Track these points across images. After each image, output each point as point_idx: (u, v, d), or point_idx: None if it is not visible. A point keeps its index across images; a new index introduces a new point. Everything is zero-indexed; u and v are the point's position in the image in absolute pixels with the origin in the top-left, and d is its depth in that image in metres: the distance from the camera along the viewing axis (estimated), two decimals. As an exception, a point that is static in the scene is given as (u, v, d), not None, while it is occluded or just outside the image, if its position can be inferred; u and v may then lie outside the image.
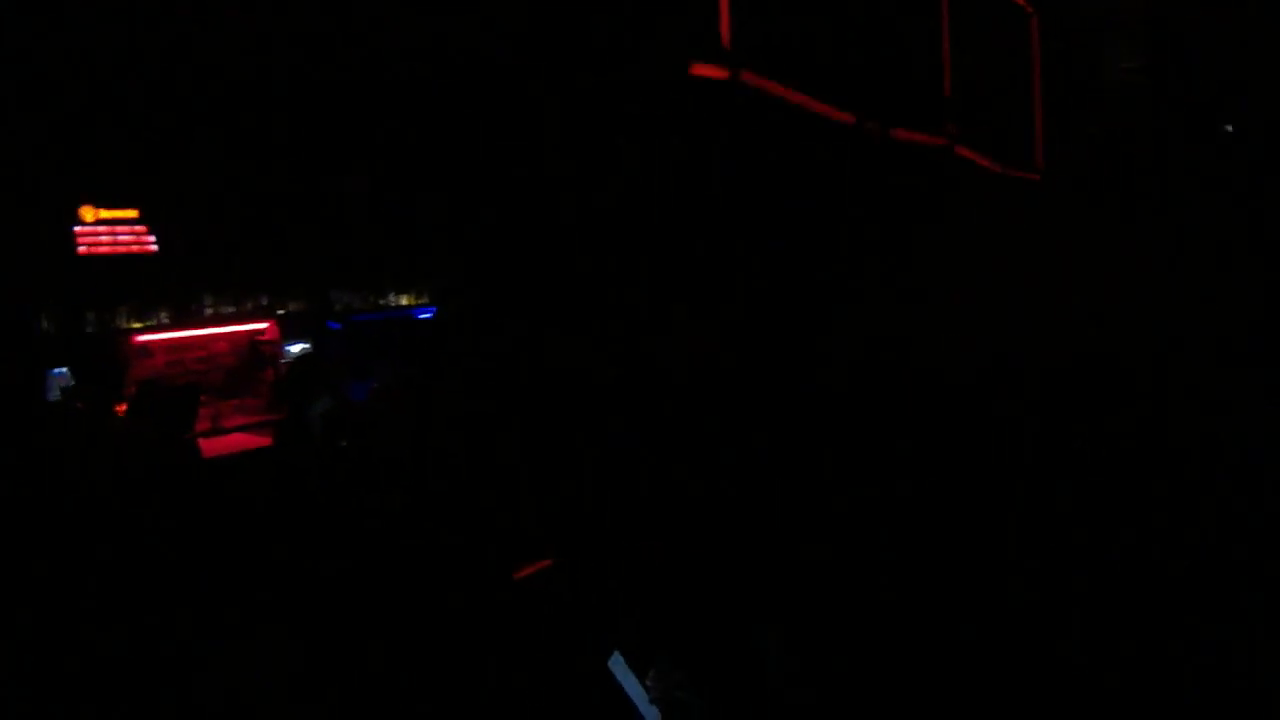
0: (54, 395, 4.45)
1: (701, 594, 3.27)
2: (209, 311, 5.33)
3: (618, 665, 2.10)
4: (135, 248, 5.10)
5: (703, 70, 5.37)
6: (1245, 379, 4.98)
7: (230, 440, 4.75)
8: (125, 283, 5.06)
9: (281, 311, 5.59)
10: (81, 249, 4.89)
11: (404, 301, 6.30)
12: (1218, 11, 8.56)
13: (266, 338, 5.43)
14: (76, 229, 4.89)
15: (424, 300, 6.37)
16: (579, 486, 4.26)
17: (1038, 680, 2.94)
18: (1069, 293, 6.22)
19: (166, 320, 5.14)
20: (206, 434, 4.74)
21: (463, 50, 5.47)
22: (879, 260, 5.96)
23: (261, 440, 4.67)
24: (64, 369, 4.51)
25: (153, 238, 5.18)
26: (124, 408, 4.15)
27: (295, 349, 5.41)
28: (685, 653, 2.31)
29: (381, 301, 6.17)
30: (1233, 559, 3.44)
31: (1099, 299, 6.14)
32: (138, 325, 5.02)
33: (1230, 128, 8.68)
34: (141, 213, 5.16)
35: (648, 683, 2.09)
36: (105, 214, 4.98)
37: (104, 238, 4.97)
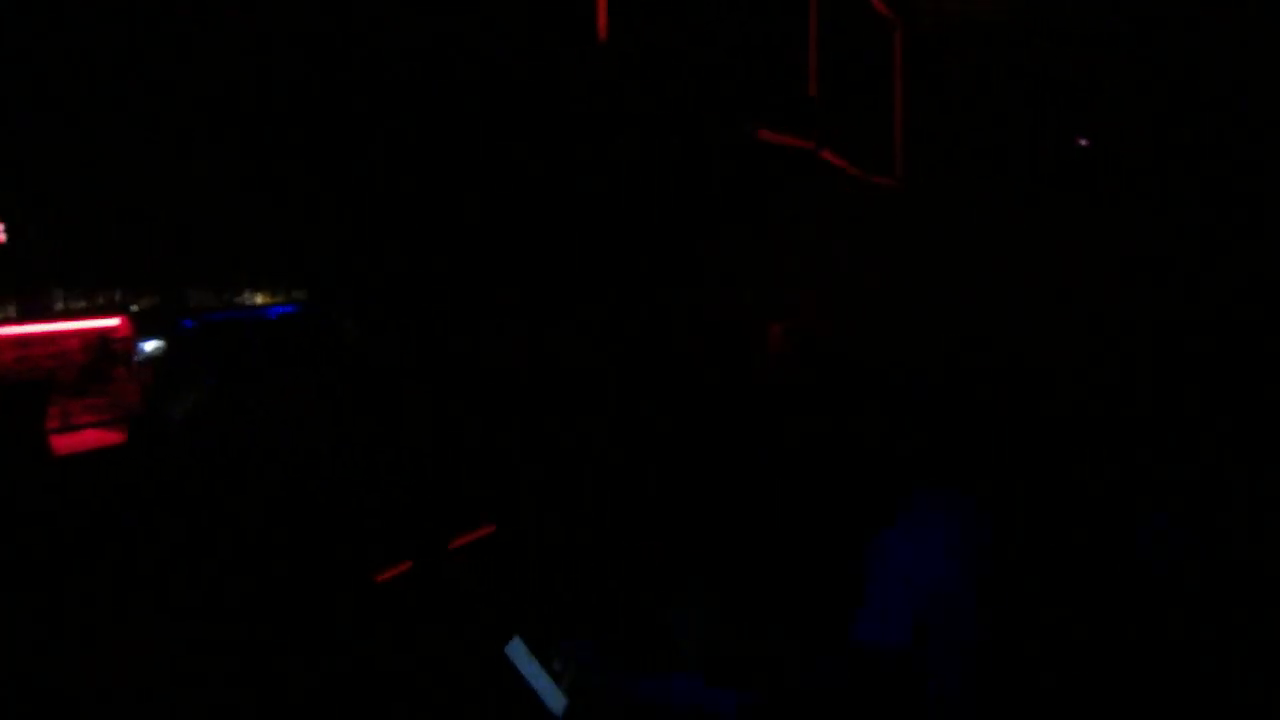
0: (-105, 389, 4.36)
1: (609, 571, 3.44)
2: (59, 306, 5.25)
3: (518, 651, 2.12)
4: (-17, 237, 5.01)
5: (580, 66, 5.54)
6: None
7: (82, 437, 4.72)
8: (-30, 274, 4.96)
9: (135, 308, 5.54)
10: (-75, 238, 4.78)
11: (259, 300, 6.29)
12: (1075, 28, 9.05)
13: (119, 335, 5.38)
14: (-80, 218, 4.77)
15: (280, 299, 6.37)
16: (477, 473, 4.39)
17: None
18: (932, 295, 6.62)
19: (14, 314, 5.05)
20: (57, 431, 4.69)
21: (330, 37, 5.49)
22: (741, 258, 6.24)
23: (115, 437, 4.65)
24: (-93, 363, 4.42)
25: (1, 226, 5.08)
26: (-30, 403, 4.11)
27: (149, 346, 5.37)
28: (593, 633, 2.45)
29: (237, 300, 6.15)
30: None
31: (958, 301, 6.56)
32: (-16, 318, 4.93)
33: (1084, 141, 9.20)
34: (-11, 201, 5.06)
35: (555, 667, 2.13)
36: (-49, 201, 4.88)
37: (-51, 227, 4.87)
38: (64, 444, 4.52)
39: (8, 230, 5.08)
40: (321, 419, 4.48)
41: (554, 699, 2.08)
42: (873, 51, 9.06)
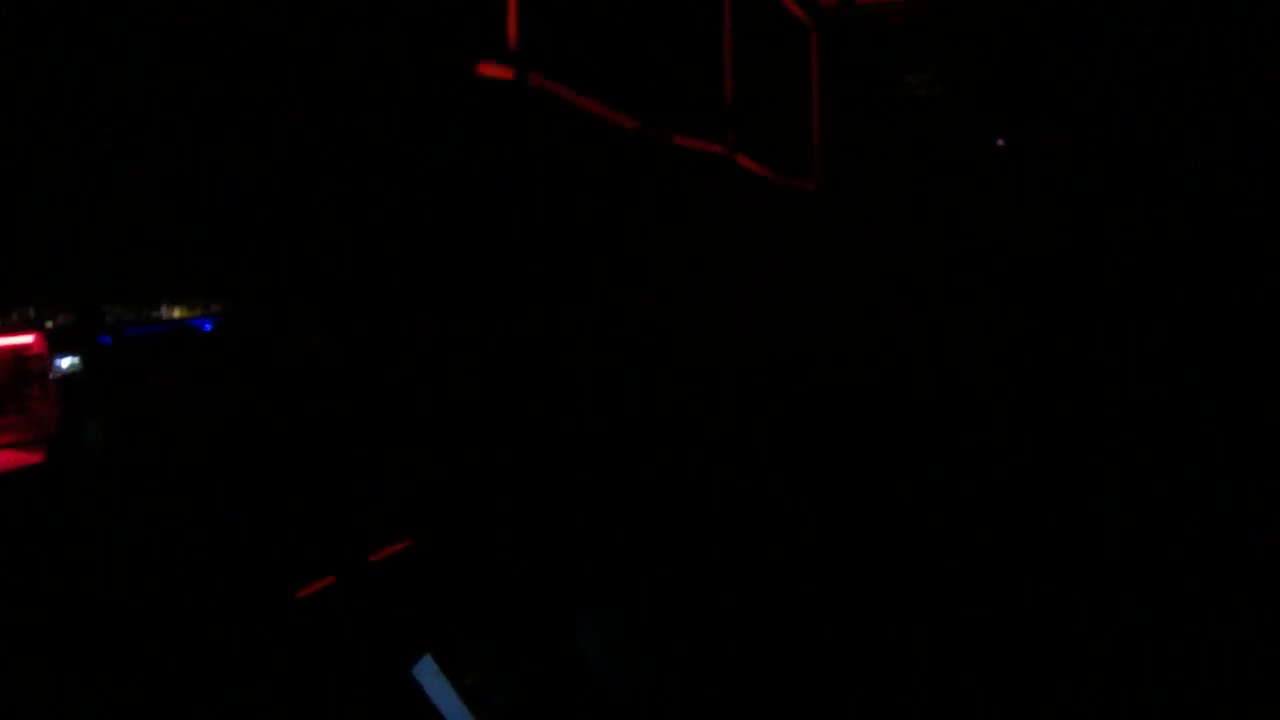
0: None
1: (519, 588, 3.48)
2: (-30, 324, 5.16)
3: (427, 671, 2.11)
4: (-111, 256, 4.91)
5: (489, 70, 5.55)
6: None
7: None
8: (-124, 293, 4.86)
9: (50, 324, 5.46)
10: None
11: (177, 314, 6.22)
12: (1003, 30, 9.22)
13: (33, 352, 5.30)
14: None
15: (198, 312, 6.31)
16: (392, 486, 4.40)
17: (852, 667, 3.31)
18: (841, 298, 6.74)
19: (-78, 334, 4.97)
20: (-30, 453, 4.62)
21: (242, 38, 5.44)
22: (655, 265, 6.31)
23: (31, 458, 4.59)
24: None
25: (-91, 246, 4.99)
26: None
27: (65, 363, 5.31)
28: (501, 655, 2.48)
29: (154, 314, 6.08)
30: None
31: (870, 305, 6.68)
32: (-109, 339, 4.84)
33: (1001, 142, 9.40)
34: (-106, 219, 4.96)
35: (464, 684, 2.12)
36: None
37: None
38: (-23, 467, 4.47)
39: (-86, 248, 4.98)
40: (242, 431, 4.48)
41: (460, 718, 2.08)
42: (788, 55, 9.19)
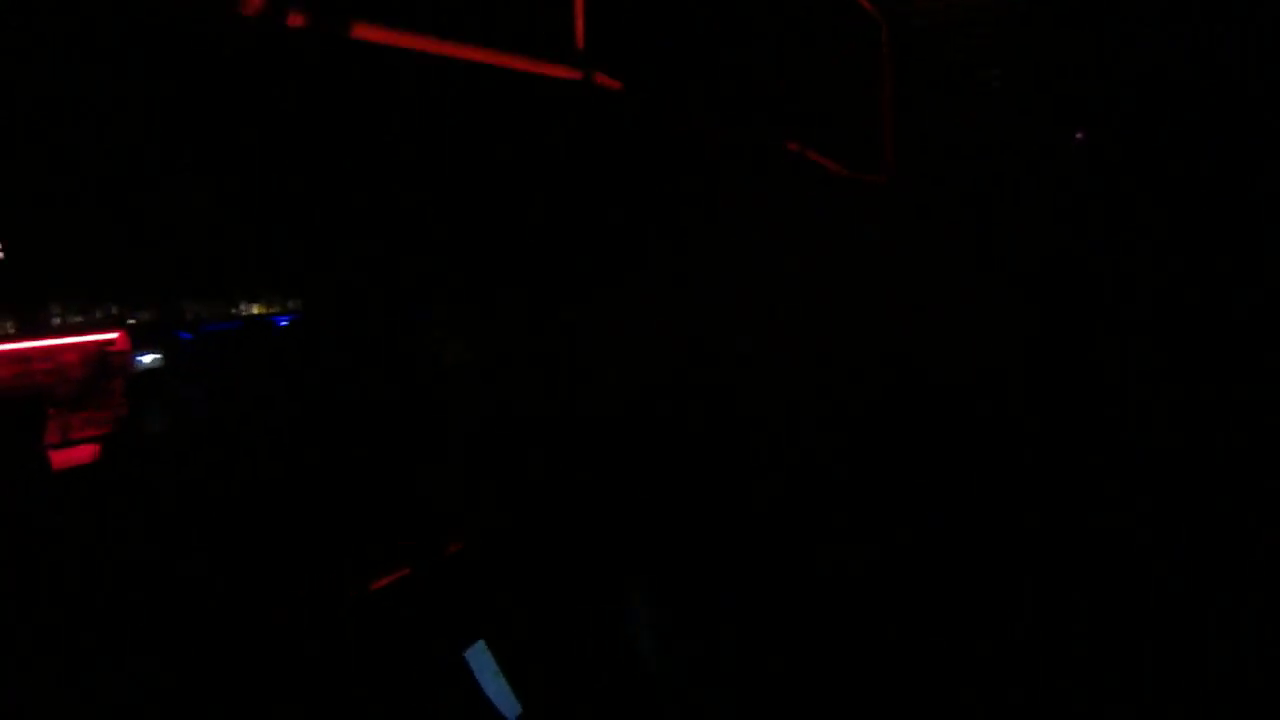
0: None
1: (567, 573, 3.50)
2: (57, 321, 5.32)
3: (479, 656, 2.12)
4: (-21, 254, 5.07)
5: (556, 71, 5.57)
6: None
7: (80, 452, 4.77)
8: (-33, 291, 5.03)
9: (132, 321, 5.61)
10: (-79, 256, 4.84)
11: (255, 311, 6.35)
12: (1070, 25, 9.06)
13: (116, 348, 5.44)
14: (-86, 235, 4.83)
15: (276, 309, 6.43)
16: (446, 479, 4.44)
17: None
18: (907, 295, 6.66)
19: (11, 330, 5.12)
20: (56, 446, 4.75)
21: (307, 43, 5.50)
22: (723, 259, 6.29)
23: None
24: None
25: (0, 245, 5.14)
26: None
27: (146, 359, 5.44)
28: (550, 641, 2.50)
29: (233, 311, 6.22)
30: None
31: (934, 302, 6.59)
32: (-19, 335, 5.00)
33: (1080, 135, 9.22)
34: (-15, 218, 5.11)
35: (516, 671, 2.13)
36: (-53, 219, 4.94)
37: (-55, 244, 4.93)
38: (62, 458, 4.59)
39: (5, 248, 5.13)
40: (317, 427, 4.54)
41: (508, 705, 2.09)
42: (859, 49, 9.11)
